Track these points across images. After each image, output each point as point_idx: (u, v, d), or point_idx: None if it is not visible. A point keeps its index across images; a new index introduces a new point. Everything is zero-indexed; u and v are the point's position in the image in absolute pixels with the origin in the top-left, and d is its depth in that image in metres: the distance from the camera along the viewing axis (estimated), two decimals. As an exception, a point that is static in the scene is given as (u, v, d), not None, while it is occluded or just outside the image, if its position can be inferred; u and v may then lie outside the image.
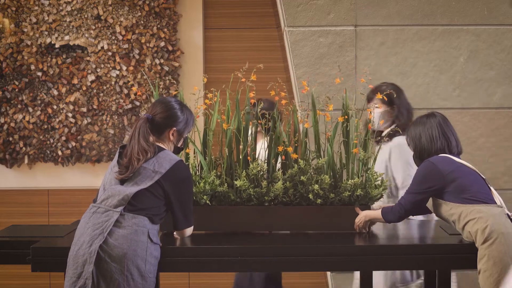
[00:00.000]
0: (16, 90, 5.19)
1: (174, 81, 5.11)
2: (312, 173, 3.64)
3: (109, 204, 3.13)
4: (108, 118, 5.19)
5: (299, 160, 3.63)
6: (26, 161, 5.23)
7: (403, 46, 5.04)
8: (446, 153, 3.48)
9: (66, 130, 5.19)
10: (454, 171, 3.39)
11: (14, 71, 5.20)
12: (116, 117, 5.20)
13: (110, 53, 5.16)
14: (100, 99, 5.19)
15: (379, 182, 3.65)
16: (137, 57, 5.17)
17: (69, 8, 5.15)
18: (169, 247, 3.32)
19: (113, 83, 5.17)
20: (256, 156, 3.65)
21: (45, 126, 5.21)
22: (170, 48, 5.17)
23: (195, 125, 3.54)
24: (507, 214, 3.36)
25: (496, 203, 3.37)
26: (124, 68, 5.15)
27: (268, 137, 3.65)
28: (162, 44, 5.17)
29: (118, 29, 5.15)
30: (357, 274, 4.28)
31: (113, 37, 5.17)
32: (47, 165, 5.27)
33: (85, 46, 5.17)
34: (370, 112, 3.78)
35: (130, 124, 5.15)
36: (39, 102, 5.19)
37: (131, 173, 3.16)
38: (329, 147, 3.62)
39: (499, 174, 5.06)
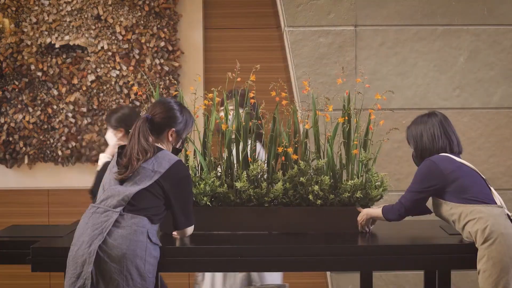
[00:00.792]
0: (16, 90, 5.19)
1: (175, 81, 5.11)
2: (312, 174, 3.64)
3: (109, 204, 3.14)
4: (108, 118, 5.19)
5: (299, 161, 3.63)
6: (26, 161, 5.23)
7: (403, 46, 5.04)
8: (447, 152, 3.47)
9: (66, 130, 5.19)
10: (455, 170, 3.39)
11: (14, 71, 5.19)
12: (116, 117, 5.20)
13: (110, 53, 5.16)
14: (100, 99, 5.19)
15: (379, 183, 3.65)
16: (137, 57, 5.17)
17: (69, 8, 5.15)
18: (169, 247, 3.32)
19: (113, 83, 5.17)
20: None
21: (45, 126, 5.21)
22: (170, 48, 5.17)
23: (194, 124, 3.54)
24: (507, 215, 3.36)
25: (496, 204, 3.37)
26: (124, 68, 5.15)
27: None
28: (162, 44, 5.17)
29: (118, 29, 5.15)
30: None
31: (113, 37, 5.17)
32: (47, 165, 5.27)
33: (85, 46, 5.17)
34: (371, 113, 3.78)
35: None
36: (39, 102, 5.19)
37: (130, 173, 3.17)
38: (329, 148, 3.62)
39: (499, 174, 5.06)
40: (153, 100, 3.73)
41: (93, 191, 4.23)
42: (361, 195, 3.59)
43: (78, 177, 5.25)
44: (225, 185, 3.59)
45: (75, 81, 5.17)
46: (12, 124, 5.19)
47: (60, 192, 5.30)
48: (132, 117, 4.24)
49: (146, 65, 5.16)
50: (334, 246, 3.35)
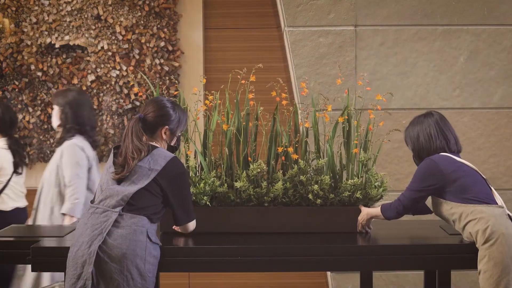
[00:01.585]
0: (16, 90, 5.19)
1: (176, 81, 5.11)
2: (312, 173, 3.64)
3: (108, 204, 3.14)
4: (108, 118, 5.19)
5: (299, 160, 3.63)
6: (26, 161, 5.23)
7: (403, 46, 5.05)
8: (446, 152, 3.48)
9: (66, 130, 5.19)
10: (456, 170, 3.39)
11: (14, 71, 5.20)
12: (116, 117, 5.20)
13: (110, 53, 5.16)
14: (100, 99, 5.19)
15: (379, 183, 3.66)
16: (137, 57, 5.17)
17: (69, 8, 5.15)
18: (169, 247, 3.32)
19: (113, 83, 5.17)
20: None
21: (45, 126, 5.21)
22: (170, 48, 5.17)
23: (195, 125, 3.54)
24: (508, 215, 3.36)
25: (497, 204, 3.37)
26: (124, 68, 5.15)
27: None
28: (162, 44, 5.17)
29: (118, 29, 5.15)
30: None
31: (113, 37, 5.17)
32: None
33: (85, 46, 5.17)
34: (371, 113, 3.78)
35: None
36: (39, 102, 5.19)
37: (127, 172, 3.17)
38: (329, 147, 3.62)
39: (499, 174, 5.06)
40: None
41: None
42: (361, 195, 3.59)
43: (78, 177, 5.24)
44: (225, 185, 3.59)
45: (75, 81, 5.17)
46: (12, 124, 5.19)
47: (60, 192, 5.29)
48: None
49: (146, 65, 5.16)
50: (334, 246, 3.35)
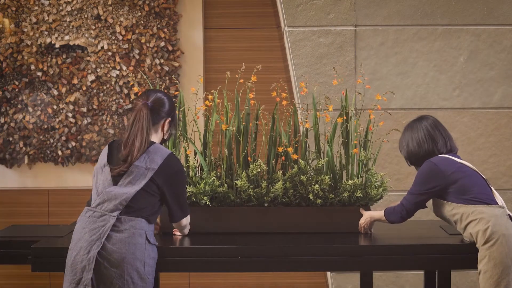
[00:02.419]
0: (16, 90, 5.19)
1: (176, 81, 5.11)
2: (312, 173, 3.64)
3: (105, 208, 3.10)
4: (108, 118, 5.19)
5: (299, 160, 3.63)
6: (26, 161, 5.23)
7: (403, 46, 5.05)
8: (435, 154, 3.49)
9: (66, 130, 5.19)
10: (456, 171, 3.40)
11: (14, 71, 5.19)
12: (116, 117, 5.20)
13: (110, 53, 5.16)
14: (100, 99, 5.19)
15: (378, 183, 3.66)
16: (137, 57, 5.17)
17: (69, 8, 5.15)
18: (169, 247, 3.32)
19: (113, 83, 5.17)
20: None
21: (45, 126, 5.21)
22: (170, 48, 5.17)
23: (196, 125, 3.53)
24: (509, 215, 3.36)
25: (497, 204, 3.37)
26: (124, 68, 5.15)
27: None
28: (162, 44, 5.17)
29: (118, 29, 5.15)
30: None
31: (113, 37, 5.17)
32: (47, 165, 5.26)
33: (85, 46, 5.17)
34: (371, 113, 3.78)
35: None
36: (39, 102, 5.19)
37: (128, 166, 3.12)
38: (329, 147, 3.62)
39: (499, 174, 5.06)
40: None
41: None
42: (361, 195, 3.59)
43: (78, 177, 5.25)
44: (225, 185, 3.59)
45: (75, 81, 5.17)
46: (12, 124, 5.19)
47: (60, 192, 5.30)
48: None
49: (146, 65, 5.16)
50: (334, 246, 3.35)
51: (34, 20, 5.17)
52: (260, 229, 3.61)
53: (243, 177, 3.57)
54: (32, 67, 5.17)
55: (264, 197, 3.60)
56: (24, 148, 5.21)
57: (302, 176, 3.58)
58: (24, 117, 5.20)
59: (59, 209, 5.29)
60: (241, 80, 3.68)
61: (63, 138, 5.19)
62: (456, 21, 5.04)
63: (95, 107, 5.18)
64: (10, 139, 5.21)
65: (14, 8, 5.17)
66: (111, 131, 5.20)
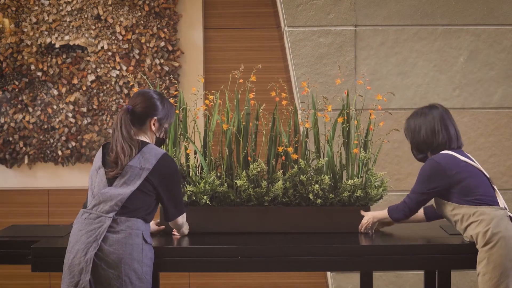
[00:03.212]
0: (16, 90, 5.19)
1: (176, 81, 5.11)
2: (312, 173, 3.64)
3: (101, 210, 3.10)
4: (108, 118, 5.19)
5: (299, 160, 3.63)
6: (26, 161, 5.23)
7: (403, 46, 5.05)
8: (446, 149, 3.42)
9: (66, 130, 5.19)
10: (460, 172, 3.35)
11: (14, 71, 5.19)
12: (116, 117, 5.19)
13: (110, 53, 5.16)
14: (100, 99, 5.19)
15: (378, 183, 3.66)
16: (137, 57, 5.17)
17: (69, 8, 5.15)
18: (169, 247, 3.32)
19: (113, 83, 5.17)
20: None
21: (45, 126, 5.21)
22: (170, 48, 5.17)
23: (195, 125, 3.53)
24: (509, 217, 3.33)
25: (499, 205, 3.34)
26: (124, 68, 5.15)
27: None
28: (162, 44, 5.17)
29: (118, 29, 5.15)
30: None
31: (113, 37, 5.17)
32: (47, 165, 5.27)
33: (85, 46, 5.17)
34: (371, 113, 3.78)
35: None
36: (39, 102, 5.19)
37: (121, 168, 3.12)
38: (329, 147, 3.62)
39: (499, 174, 5.06)
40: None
41: None
42: (362, 194, 3.59)
43: (78, 177, 5.25)
44: (225, 184, 3.59)
45: (75, 81, 5.17)
46: (12, 124, 5.19)
47: (60, 192, 5.30)
48: None
49: (146, 65, 5.16)
50: (334, 246, 3.35)
51: (34, 20, 5.17)
52: (260, 229, 3.61)
53: (243, 176, 3.57)
54: (32, 67, 5.17)
55: (264, 197, 3.60)
56: (24, 148, 5.21)
57: (302, 176, 3.58)
58: (24, 117, 5.20)
59: (59, 209, 5.29)
60: (241, 80, 3.68)
61: (63, 138, 5.19)
62: (456, 21, 5.04)
63: (95, 107, 5.18)
64: (10, 139, 5.21)
65: (14, 8, 5.17)
66: (111, 131, 5.19)
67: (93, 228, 3.07)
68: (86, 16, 5.16)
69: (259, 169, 3.59)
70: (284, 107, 3.72)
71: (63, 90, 5.18)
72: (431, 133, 3.43)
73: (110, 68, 5.16)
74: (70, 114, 5.18)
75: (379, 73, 5.03)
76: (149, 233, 3.16)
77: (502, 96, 5.05)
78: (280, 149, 3.62)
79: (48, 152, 5.23)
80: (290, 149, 3.62)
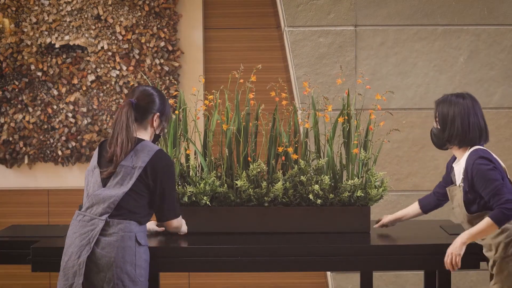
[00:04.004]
0: (16, 90, 5.19)
1: (176, 81, 5.11)
2: (312, 173, 3.64)
3: (94, 212, 3.08)
4: (108, 118, 5.19)
5: (300, 160, 3.63)
6: (26, 161, 5.23)
7: (403, 46, 5.05)
8: (477, 144, 3.25)
9: (66, 130, 5.19)
10: (501, 171, 3.19)
11: (14, 71, 5.19)
12: (116, 117, 5.19)
13: (110, 53, 5.16)
14: (100, 99, 5.19)
15: (378, 183, 3.65)
16: (137, 57, 5.17)
17: (69, 8, 5.15)
18: (169, 247, 3.32)
19: (113, 83, 5.17)
20: None
21: (45, 126, 5.21)
22: (170, 48, 5.17)
23: (195, 125, 3.53)
24: None
25: None
26: (124, 68, 5.15)
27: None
28: (162, 44, 5.17)
29: (118, 29, 5.15)
30: None
31: (113, 37, 5.17)
32: (47, 165, 5.27)
33: (85, 46, 5.17)
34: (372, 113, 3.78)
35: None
36: (39, 102, 5.19)
37: (115, 166, 3.09)
38: (329, 147, 3.62)
39: (499, 174, 5.06)
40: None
41: None
42: (362, 194, 3.59)
43: (78, 177, 5.25)
44: (225, 185, 3.59)
45: (75, 81, 5.17)
46: (12, 124, 5.19)
47: (60, 192, 5.30)
48: None
49: (146, 65, 5.16)
50: (334, 246, 3.35)
51: (34, 20, 5.17)
52: (260, 229, 3.61)
53: (243, 177, 3.57)
54: (32, 67, 5.17)
55: (264, 197, 3.60)
56: (24, 148, 5.21)
57: (302, 176, 3.58)
58: (24, 117, 5.20)
59: (59, 209, 5.29)
60: (241, 80, 3.68)
61: (63, 138, 5.19)
62: (456, 21, 5.04)
63: (95, 107, 5.18)
64: (10, 139, 5.21)
65: (14, 8, 5.17)
66: (111, 131, 5.19)
67: (86, 231, 3.06)
68: (86, 16, 5.16)
69: (259, 170, 3.59)
70: (284, 107, 3.72)
71: (63, 90, 5.18)
72: (467, 126, 3.20)
73: (110, 68, 5.16)
74: (70, 114, 5.18)
75: (379, 73, 5.03)
76: (144, 235, 3.13)
77: (502, 96, 5.05)
78: (280, 149, 3.62)
79: (48, 152, 5.23)
80: (290, 149, 3.62)
